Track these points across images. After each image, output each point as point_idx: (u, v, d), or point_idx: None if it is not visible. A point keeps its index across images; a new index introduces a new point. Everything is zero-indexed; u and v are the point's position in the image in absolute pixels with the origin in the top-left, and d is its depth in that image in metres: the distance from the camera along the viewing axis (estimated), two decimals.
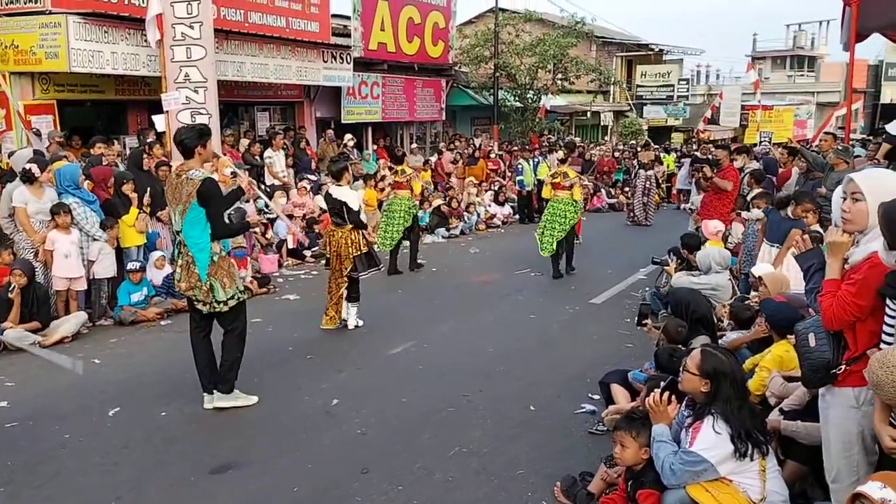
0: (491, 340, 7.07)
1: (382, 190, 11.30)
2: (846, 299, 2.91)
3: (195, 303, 5.18)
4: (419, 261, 10.64)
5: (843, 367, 2.99)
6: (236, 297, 5.21)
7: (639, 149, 18.80)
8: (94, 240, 7.57)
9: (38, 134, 9.63)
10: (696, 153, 16.82)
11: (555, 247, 9.89)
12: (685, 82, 33.23)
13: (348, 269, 7.21)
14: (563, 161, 10.42)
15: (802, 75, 42.20)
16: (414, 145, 18.05)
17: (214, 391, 5.31)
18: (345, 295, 7.38)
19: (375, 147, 17.17)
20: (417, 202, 11.02)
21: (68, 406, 5.41)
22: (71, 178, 7.50)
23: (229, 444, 4.76)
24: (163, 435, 4.90)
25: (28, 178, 7.22)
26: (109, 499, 4.05)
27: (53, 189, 7.51)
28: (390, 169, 11.45)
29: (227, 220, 5.35)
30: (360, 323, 7.49)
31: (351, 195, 7.29)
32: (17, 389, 5.77)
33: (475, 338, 7.18)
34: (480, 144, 18.38)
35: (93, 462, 4.50)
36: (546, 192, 10.37)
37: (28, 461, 4.50)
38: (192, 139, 5.07)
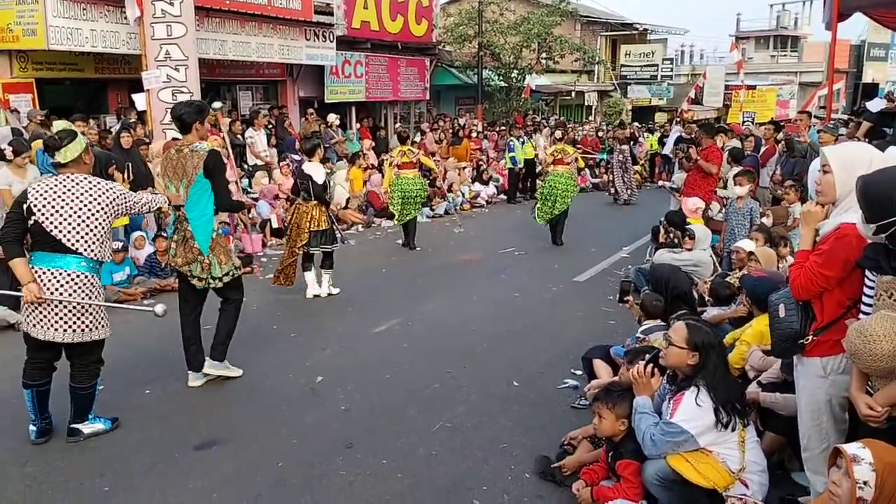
0: (475, 319, 7.10)
1: (367, 168, 11.30)
2: (813, 269, 2.97)
3: (190, 278, 5.12)
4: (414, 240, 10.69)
5: (810, 337, 3.05)
6: (231, 273, 5.22)
7: (615, 128, 18.86)
8: None
9: (15, 112, 9.49)
10: (680, 133, 16.86)
11: (553, 216, 10.57)
12: (669, 62, 33.24)
13: (303, 243, 7.46)
14: (559, 139, 11.34)
15: (785, 55, 42.26)
16: (398, 125, 17.99)
17: (206, 358, 5.31)
18: (320, 263, 7.71)
19: (359, 126, 17.08)
20: (436, 177, 11.33)
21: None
22: None
23: (213, 421, 4.77)
24: (147, 412, 4.90)
25: (3, 158, 7.12)
26: (94, 475, 4.05)
27: (37, 168, 7.41)
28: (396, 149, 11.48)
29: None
30: (335, 291, 7.64)
31: (317, 171, 7.51)
32: None
33: (460, 316, 7.21)
34: (465, 124, 18.34)
35: (77, 440, 4.49)
36: (546, 166, 11.11)
37: (11, 440, 4.48)
38: (190, 115, 5.04)
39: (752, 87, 27.37)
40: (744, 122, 21.28)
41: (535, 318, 7.19)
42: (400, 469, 4.14)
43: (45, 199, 4.14)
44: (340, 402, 5.08)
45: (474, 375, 5.61)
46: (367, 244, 11.00)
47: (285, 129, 13.68)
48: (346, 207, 12.20)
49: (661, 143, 19.35)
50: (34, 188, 4.20)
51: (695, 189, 8.89)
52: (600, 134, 20.30)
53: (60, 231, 4.12)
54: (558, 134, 11.70)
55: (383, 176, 11.44)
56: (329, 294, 7.71)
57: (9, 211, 4.31)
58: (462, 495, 3.87)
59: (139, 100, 10.31)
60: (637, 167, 18.23)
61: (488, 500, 3.83)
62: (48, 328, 4.18)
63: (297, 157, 12.58)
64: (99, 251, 4.25)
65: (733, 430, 3.32)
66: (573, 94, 28.14)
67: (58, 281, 4.14)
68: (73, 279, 4.16)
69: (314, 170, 7.47)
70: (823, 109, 15.20)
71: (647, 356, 3.77)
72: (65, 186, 4.18)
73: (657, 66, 31.27)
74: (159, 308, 4.42)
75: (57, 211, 4.13)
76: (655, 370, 3.61)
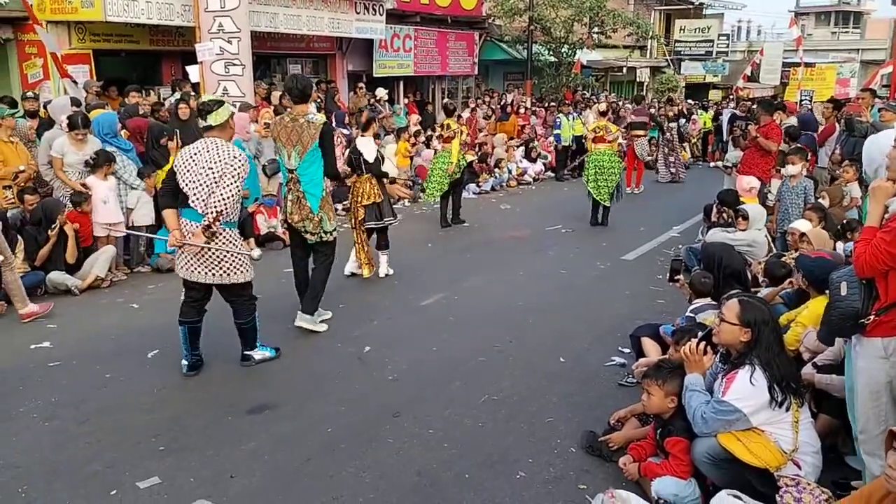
0: (522, 294, 7.09)
1: (415, 143, 11.27)
2: (880, 247, 2.88)
3: (303, 233, 5.74)
4: (461, 217, 10.63)
5: (872, 316, 2.97)
6: (335, 230, 5.85)
7: (663, 105, 18.46)
8: (132, 188, 7.67)
9: (75, 83, 9.72)
10: (735, 110, 16.45)
11: (601, 195, 10.35)
12: (725, 38, 32.40)
13: (361, 217, 7.39)
14: (603, 114, 10.85)
15: (847, 32, 40.83)
16: (445, 99, 17.91)
17: (299, 312, 5.87)
18: (376, 244, 7.57)
19: (407, 101, 17.06)
20: (464, 155, 11.16)
21: (109, 347, 5.57)
22: (109, 127, 7.58)
23: (264, 388, 4.88)
24: (200, 377, 5.03)
25: (73, 125, 7.26)
26: (149, 436, 4.18)
27: (96, 139, 7.59)
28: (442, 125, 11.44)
29: None
30: (391, 272, 7.62)
31: (368, 147, 7.41)
32: (58, 331, 5.94)
33: (506, 291, 7.20)
34: (512, 100, 18.17)
35: (133, 401, 4.64)
36: (589, 146, 10.75)
37: (71, 399, 4.66)
38: (309, 87, 5.68)
39: (811, 65, 26.47)
40: (801, 100, 20.66)
41: (583, 296, 7.14)
42: (446, 439, 4.18)
43: (184, 163, 4.71)
44: (388, 373, 5.14)
45: (520, 350, 5.61)
46: (414, 219, 11.03)
47: (335, 103, 13.75)
48: (393, 182, 12.25)
49: (716, 120, 18.94)
50: (181, 153, 4.81)
51: (752, 168, 8.67)
52: (652, 111, 19.91)
53: (191, 191, 4.68)
54: (602, 107, 11.19)
55: (434, 151, 11.35)
56: (386, 275, 7.59)
57: (167, 171, 5.10)
58: (507, 467, 3.89)
59: (193, 72, 10.47)
60: (686, 145, 17.90)
61: (533, 472, 3.84)
62: (194, 270, 4.82)
63: (345, 132, 12.68)
64: (224, 211, 4.69)
65: (787, 409, 3.26)
66: (625, 69, 27.62)
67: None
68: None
69: (365, 146, 7.37)
70: (887, 88, 14.66)
71: (700, 334, 3.71)
72: (204, 150, 4.70)
73: (712, 41, 30.47)
74: (255, 253, 5.16)
75: (190, 174, 4.68)
76: (708, 348, 3.56)
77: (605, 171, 10.30)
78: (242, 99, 10.29)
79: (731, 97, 22.10)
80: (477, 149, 14.44)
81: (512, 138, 16.00)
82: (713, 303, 4.90)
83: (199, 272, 4.81)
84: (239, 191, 4.75)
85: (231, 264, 4.84)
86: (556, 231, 10.23)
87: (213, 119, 4.72)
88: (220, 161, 4.64)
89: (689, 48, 30.87)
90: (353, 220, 7.51)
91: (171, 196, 4.82)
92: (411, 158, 13.29)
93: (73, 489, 3.65)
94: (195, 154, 4.70)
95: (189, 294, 5.01)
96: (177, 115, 9.00)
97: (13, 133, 7.45)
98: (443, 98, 18.61)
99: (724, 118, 16.48)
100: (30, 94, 9.07)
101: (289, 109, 5.94)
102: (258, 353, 5.23)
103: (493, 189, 13.86)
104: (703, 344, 3.55)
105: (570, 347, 5.66)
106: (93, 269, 7.06)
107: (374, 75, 16.01)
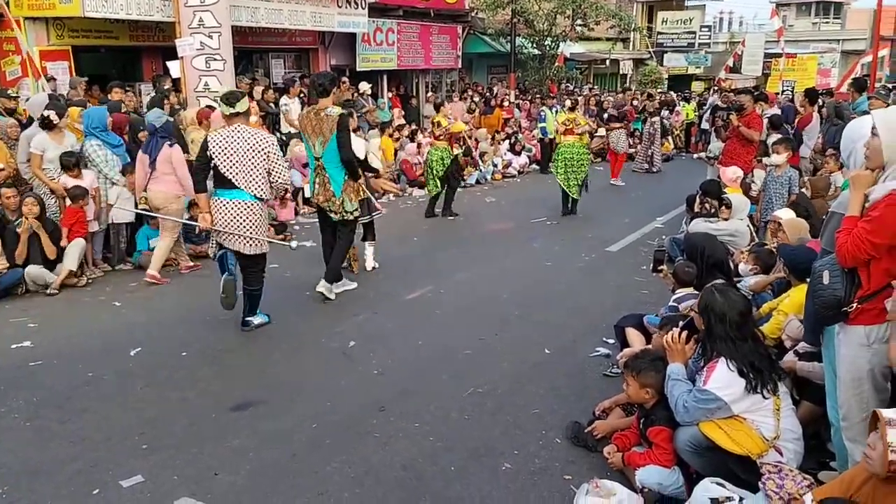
0: (507, 287, 7.10)
1: (399, 137, 11.29)
2: (861, 236, 2.90)
3: (328, 212, 6.48)
4: (454, 211, 10.72)
5: (854, 304, 2.99)
6: (355, 210, 6.52)
7: (643, 99, 18.47)
8: (113, 184, 7.59)
9: (52, 80, 9.61)
10: (717, 102, 16.55)
11: (570, 187, 10.49)
12: (707, 29, 32.56)
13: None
14: (571, 109, 11.14)
15: (828, 22, 41.10)
16: (430, 94, 17.86)
17: (323, 280, 6.50)
18: (362, 236, 7.58)
19: (390, 95, 17.00)
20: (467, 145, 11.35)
21: (91, 346, 5.53)
22: (99, 121, 7.48)
23: (249, 384, 4.86)
24: (184, 374, 5.00)
25: (47, 125, 7.21)
26: (134, 433, 4.15)
27: (73, 135, 7.51)
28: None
29: None
30: (377, 265, 7.60)
31: (356, 142, 7.30)
32: (39, 330, 5.89)
33: (492, 284, 7.21)
34: (497, 93, 18.15)
35: (117, 399, 4.61)
36: (558, 138, 10.94)
37: (53, 398, 4.62)
38: (328, 82, 6.37)
39: (793, 55, 26.67)
40: (783, 90, 20.80)
41: (568, 287, 7.16)
42: (432, 432, 4.18)
43: (219, 146, 5.35)
44: (373, 367, 5.13)
45: (506, 342, 5.62)
46: (400, 213, 11.02)
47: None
48: (378, 176, 12.22)
49: (698, 112, 19.03)
50: (213, 137, 5.43)
51: (734, 158, 8.72)
52: (635, 103, 19.98)
53: (230, 171, 5.35)
54: (569, 103, 11.52)
55: (419, 145, 11.45)
56: (373, 268, 7.59)
57: (197, 156, 5.61)
58: (493, 459, 3.90)
59: (173, 67, 10.37)
60: (669, 137, 17.96)
61: (519, 463, 3.85)
62: (234, 243, 5.52)
63: None
64: (258, 188, 5.45)
65: (765, 396, 3.28)
66: (608, 62, 27.68)
67: (235, 208, 5.42)
68: (246, 206, 5.43)
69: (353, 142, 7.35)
70: (867, 78, 14.75)
71: (682, 323, 3.73)
72: (236, 134, 5.38)
73: (695, 33, 30.64)
74: (293, 243, 6.33)
75: (228, 155, 5.34)
76: (691, 338, 3.58)
77: (574, 164, 10.39)
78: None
79: (714, 88, 22.23)
80: (461, 142, 14.44)
81: (497, 131, 16.00)
82: (696, 292, 4.91)
83: (230, 241, 5.52)
84: (264, 169, 5.44)
85: (259, 240, 5.55)
86: (542, 223, 10.25)
87: (241, 106, 5.44)
88: (257, 143, 5.37)
89: (672, 40, 31.00)
90: None
91: (204, 181, 5.51)
92: (395, 152, 13.27)
93: (55, 489, 3.61)
94: (229, 138, 5.35)
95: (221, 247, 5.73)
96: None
97: None
98: (427, 92, 18.56)
99: (706, 110, 16.59)
100: (9, 91, 8.95)
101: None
102: (257, 319, 5.79)
103: (477, 182, 13.87)
104: (684, 333, 3.57)
105: (556, 339, 5.68)
106: (64, 263, 6.97)
107: (358, 69, 15.94)
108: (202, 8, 10.14)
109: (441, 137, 10.59)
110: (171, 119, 8.05)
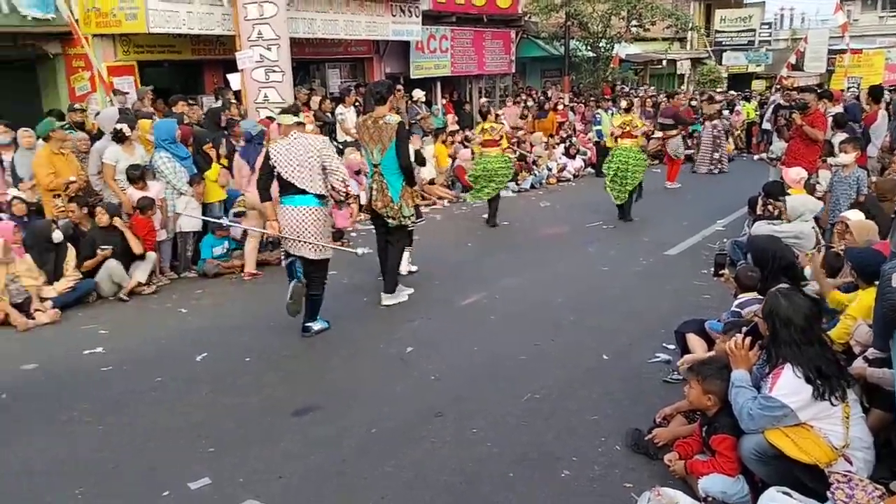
0: (562, 292, 7.05)
1: (453, 143, 11.31)
2: None
3: (385, 218, 6.53)
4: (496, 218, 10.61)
5: None
6: (411, 216, 6.63)
7: (702, 101, 18.04)
8: (181, 193, 7.83)
9: (121, 94, 9.97)
10: (779, 101, 16.09)
11: (624, 193, 10.20)
12: (767, 26, 31.79)
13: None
14: (627, 110, 10.70)
15: (895, 16, 39.55)
16: (482, 100, 17.88)
17: (383, 294, 6.70)
18: None
19: (444, 102, 17.09)
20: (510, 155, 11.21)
21: (159, 352, 5.71)
22: (168, 133, 7.72)
23: (309, 389, 4.95)
24: (248, 380, 5.12)
25: (120, 138, 7.48)
26: (199, 437, 4.27)
27: (143, 147, 7.79)
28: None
29: None
30: (414, 269, 7.68)
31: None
32: (110, 336, 6.12)
33: (546, 289, 7.17)
34: (550, 96, 18.04)
35: (183, 403, 4.75)
36: (610, 142, 10.66)
37: (122, 401, 4.80)
38: (385, 90, 6.46)
39: (858, 51, 25.74)
40: (849, 87, 20.10)
41: (625, 292, 7.07)
42: (488, 438, 4.18)
43: (280, 154, 5.62)
44: (430, 373, 5.16)
45: (562, 348, 5.58)
46: (454, 219, 11.06)
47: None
48: (432, 183, 12.32)
49: (759, 111, 18.54)
50: (273, 148, 5.71)
51: (797, 159, 8.48)
52: (693, 104, 19.58)
53: (291, 176, 5.58)
54: (624, 104, 11.04)
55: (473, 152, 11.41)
56: (409, 272, 7.62)
57: (261, 167, 5.88)
58: (551, 465, 3.88)
59: (234, 80, 10.66)
60: (730, 137, 17.56)
61: (578, 470, 3.82)
62: (301, 249, 5.71)
63: None
64: (317, 186, 5.65)
65: (833, 403, 3.17)
66: (664, 62, 27.24)
67: (300, 214, 5.64)
68: (311, 212, 5.65)
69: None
70: None
71: (745, 329, 3.65)
72: (294, 142, 5.63)
73: (754, 30, 29.90)
74: (360, 250, 6.23)
75: (289, 162, 5.59)
76: (756, 343, 3.49)
77: (628, 170, 10.08)
78: (283, 105, 10.42)
79: (776, 87, 21.64)
80: (515, 146, 14.41)
81: (552, 135, 15.90)
82: (760, 297, 4.79)
83: (297, 247, 5.71)
84: (320, 169, 5.66)
85: (320, 246, 5.76)
86: (597, 227, 10.15)
87: (300, 117, 5.92)
88: (311, 144, 5.63)
89: (731, 38, 30.32)
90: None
91: (267, 190, 5.75)
92: (452, 159, 13.31)
93: (126, 490, 3.75)
94: (288, 147, 5.62)
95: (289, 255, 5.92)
96: (217, 124, 9.18)
97: (64, 145, 7.67)
98: (480, 97, 18.58)
99: (768, 109, 16.15)
100: (77, 106, 9.33)
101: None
102: (317, 325, 5.97)
103: (532, 187, 13.81)
104: (748, 339, 3.49)
105: (613, 344, 5.61)
106: (134, 275, 7.24)
107: (412, 77, 16.07)
108: (261, 21, 10.40)
109: (493, 143, 10.47)
110: (265, 129, 8.37)
